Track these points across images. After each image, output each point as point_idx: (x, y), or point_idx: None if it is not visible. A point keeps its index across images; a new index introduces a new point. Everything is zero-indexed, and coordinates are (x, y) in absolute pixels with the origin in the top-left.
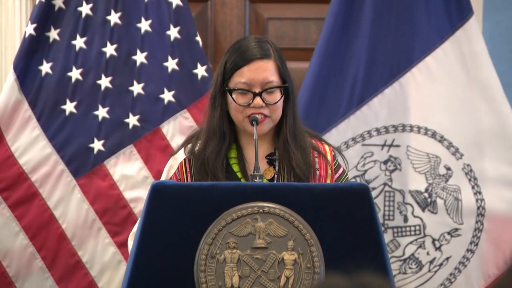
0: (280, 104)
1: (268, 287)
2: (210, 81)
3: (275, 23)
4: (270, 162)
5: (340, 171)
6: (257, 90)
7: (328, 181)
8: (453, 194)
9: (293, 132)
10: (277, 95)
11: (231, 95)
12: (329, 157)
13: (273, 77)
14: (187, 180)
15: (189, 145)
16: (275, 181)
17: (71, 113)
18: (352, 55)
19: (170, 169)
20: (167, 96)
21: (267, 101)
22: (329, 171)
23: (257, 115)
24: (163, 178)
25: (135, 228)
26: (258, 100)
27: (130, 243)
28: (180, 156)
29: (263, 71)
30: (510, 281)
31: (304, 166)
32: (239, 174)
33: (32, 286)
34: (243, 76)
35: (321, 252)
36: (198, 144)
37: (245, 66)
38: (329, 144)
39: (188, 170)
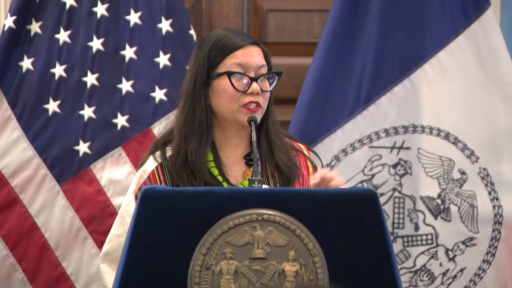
0: (269, 94)
1: None
2: None
3: (276, 15)
4: (248, 163)
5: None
6: (252, 76)
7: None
8: (468, 201)
9: (276, 129)
10: (268, 83)
11: (229, 79)
12: (306, 153)
13: (265, 62)
14: None
15: (158, 152)
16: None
17: (54, 112)
18: (358, 50)
19: (140, 179)
20: (159, 94)
21: (262, 88)
22: (310, 170)
23: (253, 104)
24: (131, 191)
25: (106, 247)
26: (256, 85)
27: (103, 266)
28: (150, 165)
29: (257, 55)
30: None
31: (289, 163)
32: (219, 178)
33: None
34: (237, 58)
35: (325, 263)
36: (169, 149)
37: (240, 49)
38: (302, 143)
39: (162, 178)
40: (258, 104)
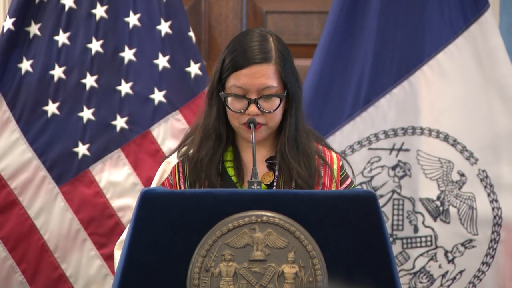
0: (278, 112)
1: None
2: (204, 79)
3: (275, 17)
4: (270, 166)
5: (348, 182)
6: (253, 97)
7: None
8: (467, 202)
9: (294, 139)
10: (275, 102)
11: (225, 101)
12: (335, 166)
13: (272, 82)
14: (179, 186)
15: (184, 148)
16: (274, 187)
17: (53, 114)
18: (357, 52)
19: (163, 173)
20: (158, 96)
21: (264, 108)
22: (334, 182)
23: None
24: (154, 183)
25: (124, 235)
26: (253, 107)
27: (117, 253)
28: (174, 159)
29: (261, 76)
30: None
31: (307, 174)
32: (234, 179)
33: None
34: (239, 80)
35: (324, 264)
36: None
37: (242, 69)
38: (336, 152)
39: (181, 174)
40: (259, 124)
